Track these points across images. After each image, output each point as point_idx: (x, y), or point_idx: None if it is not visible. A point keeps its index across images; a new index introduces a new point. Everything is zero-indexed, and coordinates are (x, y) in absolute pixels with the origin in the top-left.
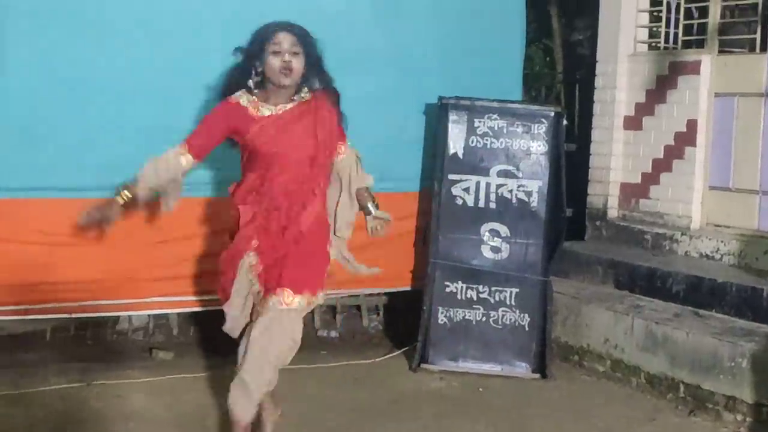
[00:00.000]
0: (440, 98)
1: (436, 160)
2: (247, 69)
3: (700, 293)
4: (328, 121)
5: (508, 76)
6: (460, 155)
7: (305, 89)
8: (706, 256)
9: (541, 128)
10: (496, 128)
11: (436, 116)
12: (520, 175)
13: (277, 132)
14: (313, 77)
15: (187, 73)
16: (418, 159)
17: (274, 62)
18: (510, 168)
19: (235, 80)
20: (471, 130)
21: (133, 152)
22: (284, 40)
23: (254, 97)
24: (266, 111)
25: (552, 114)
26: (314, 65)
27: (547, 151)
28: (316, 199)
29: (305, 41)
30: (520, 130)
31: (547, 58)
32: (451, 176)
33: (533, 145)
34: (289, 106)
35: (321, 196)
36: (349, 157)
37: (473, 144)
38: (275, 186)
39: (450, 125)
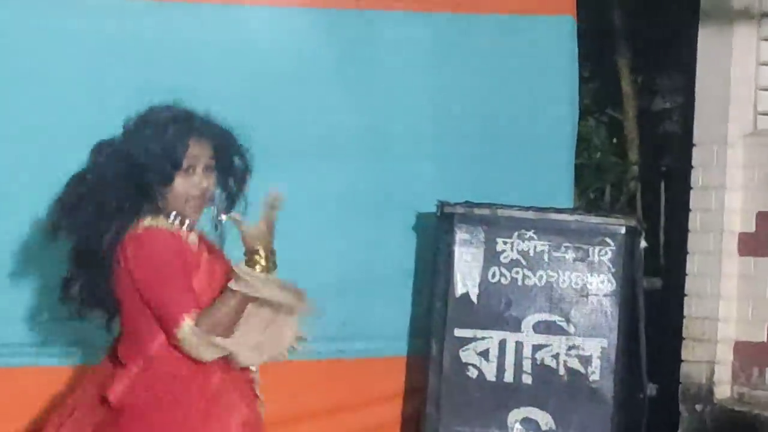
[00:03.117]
0: (441, 204)
1: (434, 306)
2: (143, 185)
3: None
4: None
5: (550, 170)
6: (474, 297)
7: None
8: None
9: (604, 253)
10: (532, 254)
11: (435, 234)
12: (572, 329)
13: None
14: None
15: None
16: (406, 303)
17: (183, 187)
18: (555, 318)
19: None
20: (491, 257)
21: None
22: (201, 152)
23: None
24: (192, 236)
25: (622, 231)
26: (229, 183)
27: (616, 291)
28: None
29: (225, 148)
30: (570, 256)
31: (614, 139)
32: (460, 332)
33: (593, 282)
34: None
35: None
36: None
37: (495, 279)
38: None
39: (457, 248)
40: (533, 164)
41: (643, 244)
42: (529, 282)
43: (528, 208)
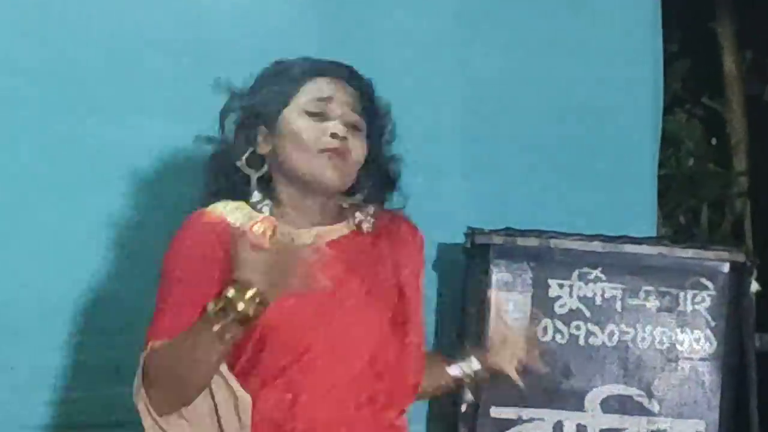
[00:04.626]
0: (471, 232)
1: None
2: (239, 148)
3: None
4: (413, 277)
5: (623, 183)
6: None
7: (363, 204)
8: None
9: (700, 300)
10: (599, 301)
11: (464, 274)
12: (656, 408)
13: (321, 295)
14: (376, 181)
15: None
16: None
17: (308, 131)
18: (632, 392)
19: (214, 179)
20: (542, 306)
21: None
22: (336, 91)
23: (263, 210)
24: (305, 237)
25: (725, 268)
26: (384, 157)
27: (716, 354)
28: None
29: (375, 103)
30: (653, 305)
31: (713, 140)
32: (498, 411)
33: (684, 340)
34: (335, 234)
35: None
36: None
37: (547, 337)
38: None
39: (494, 294)
40: (600, 176)
41: (754, 286)
42: (596, 341)
43: (593, 238)
